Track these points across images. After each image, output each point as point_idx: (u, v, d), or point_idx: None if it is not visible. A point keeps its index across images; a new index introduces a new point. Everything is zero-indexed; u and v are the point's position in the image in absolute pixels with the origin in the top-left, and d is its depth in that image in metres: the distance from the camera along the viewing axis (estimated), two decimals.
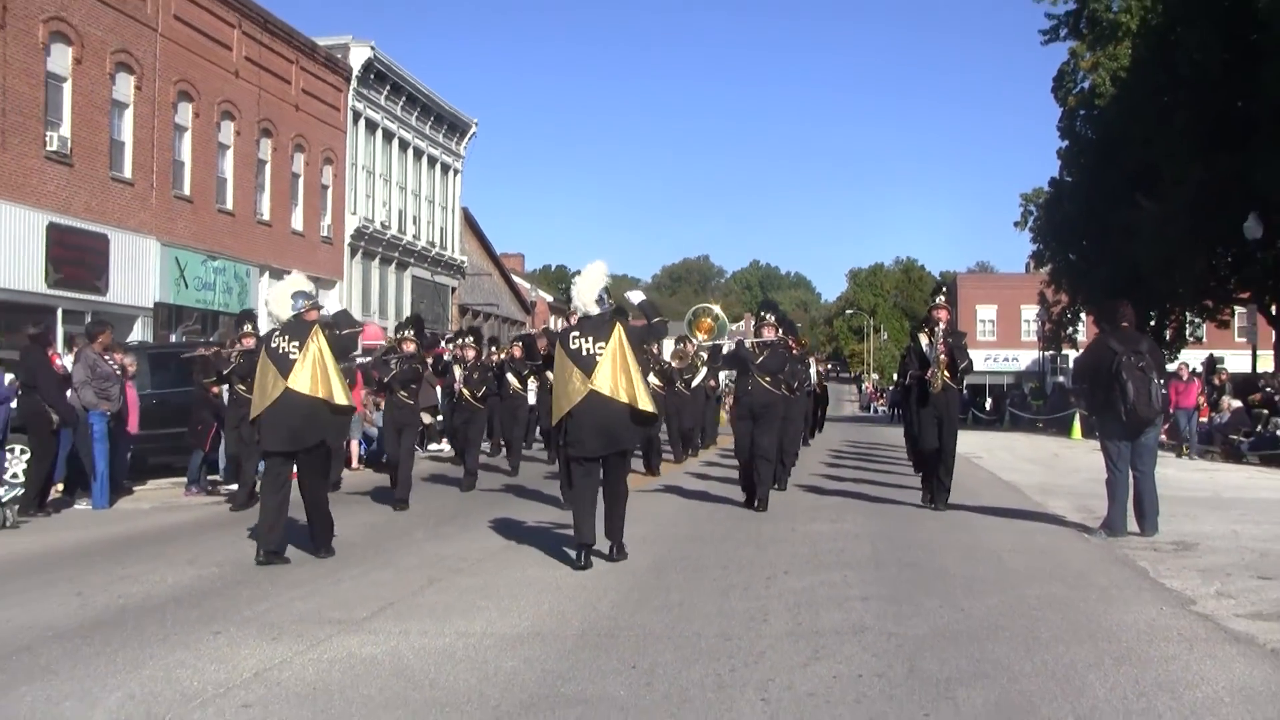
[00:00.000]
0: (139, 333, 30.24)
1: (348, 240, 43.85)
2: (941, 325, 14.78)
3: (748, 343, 15.61)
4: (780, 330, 15.91)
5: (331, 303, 12.45)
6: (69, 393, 16.11)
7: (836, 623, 8.26)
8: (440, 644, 7.60)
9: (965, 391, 17.83)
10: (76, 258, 28.19)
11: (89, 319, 21.60)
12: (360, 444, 23.07)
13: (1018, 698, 6.30)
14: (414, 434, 17.14)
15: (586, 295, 10.91)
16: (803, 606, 8.82)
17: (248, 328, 17.17)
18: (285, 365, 11.20)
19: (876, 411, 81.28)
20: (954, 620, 8.34)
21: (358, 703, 6.27)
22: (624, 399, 10.48)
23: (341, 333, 11.91)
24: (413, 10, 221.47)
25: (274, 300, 12.10)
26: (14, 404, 15.27)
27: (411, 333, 17.13)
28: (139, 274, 30.73)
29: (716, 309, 16.44)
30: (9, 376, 15.51)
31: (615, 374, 10.48)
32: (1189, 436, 28.41)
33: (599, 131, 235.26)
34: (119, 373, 16.49)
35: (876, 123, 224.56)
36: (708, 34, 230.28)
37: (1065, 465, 24.46)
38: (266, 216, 38.14)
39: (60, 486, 16.46)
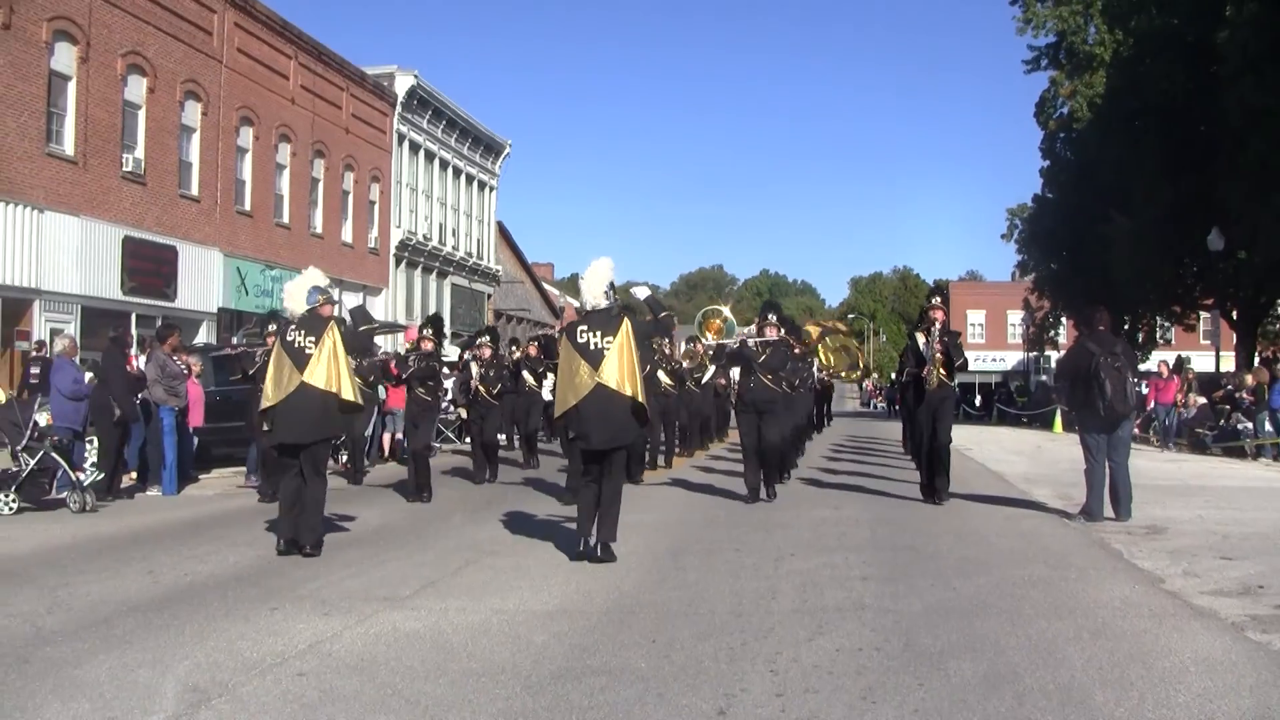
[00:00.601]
0: (204, 335, 30.37)
1: (393, 251, 43.93)
2: (937, 325, 14.20)
3: (751, 342, 14.95)
4: (782, 330, 15.27)
5: (353, 301, 11.96)
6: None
7: (839, 601, 8.25)
8: (477, 619, 7.60)
9: (957, 389, 17.60)
10: (149, 267, 28.37)
11: (159, 323, 21.64)
12: (394, 437, 22.95)
13: (1004, 669, 6.29)
14: (430, 430, 16.52)
15: (594, 290, 10.14)
16: (808, 586, 8.82)
17: (272, 327, 16.35)
18: (301, 359, 10.51)
19: (875, 407, 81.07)
20: (946, 598, 8.32)
21: (401, 673, 6.27)
22: (628, 393, 9.71)
23: (360, 329, 11.53)
24: (453, 41, 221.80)
25: (290, 295, 11.32)
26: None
27: (430, 331, 16.63)
28: (204, 282, 30.86)
29: (725, 310, 16.35)
30: (89, 375, 15.58)
31: (622, 368, 9.70)
32: (1168, 429, 28.18)
33: (622, 150, 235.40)
34: (186, 372, 16.54)
35: (875, 144, 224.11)
36: (720, 65, 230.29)
37: (1048, 457, 24.36)
38: (319, 229, 38.24)
39: (134, 475, 16.52)
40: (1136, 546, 10.76)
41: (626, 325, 9.89)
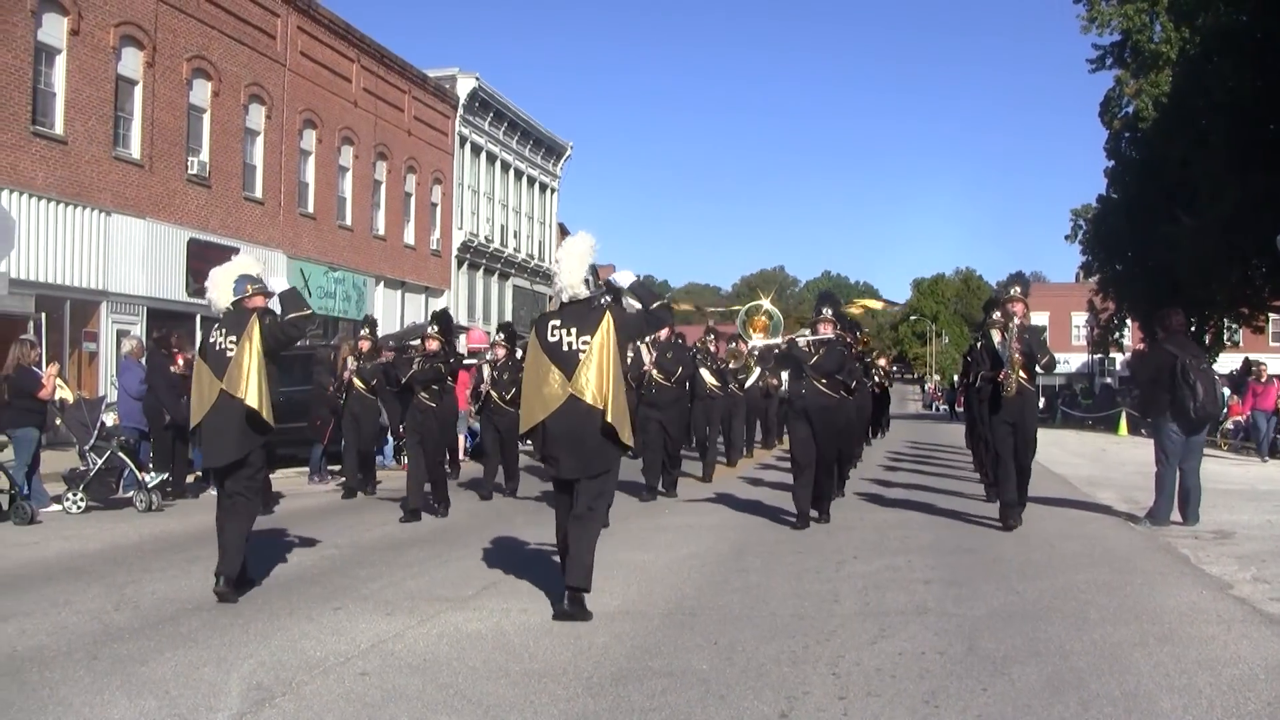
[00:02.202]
0: None
1: (454, 253, 44.16)
2: (1017, 319, 11.91)
3: (802, 341, 12.72)
4: (838, 327, 13.17)
5: (277, 284, 9.40)
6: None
7: (901, 604, 8.20)
8: (538, 620, 7.62)
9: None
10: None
11: None
12: (466, 438, 23.03)
13: (1069, 674, 6.23)
14: (437, 441, 14.16)
15: (573, 274, 8.07)
16: (870, 589, 8.77)
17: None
18: (221, 364, 8.73)
19: (938, 410, 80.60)
20: (1009, 602, 8.25)
21: (463, 673, 6.29)
22: (603, 409, 7.69)
23: (284, 319, 9.06)
24: (515, 43, 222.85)
25: (214, 286, 9.29)
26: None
27: (436, 329, 14.49)
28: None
29: (768, 305, 14.04)
30: (140, 377, 15.76)
31: (601, 377, 7.71)
32: (1266, 437, 26.34)
33: (684, 150, 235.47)
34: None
35: (938, 145, 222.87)
36: (782, 66, 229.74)
37: (1112, 459, 24.15)
38: (381, 232, 38.50)
39: (199, 473, 16.68)
40: (1204, 551, 10.62)
41: (608, 320, 7.90)
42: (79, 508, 13.66)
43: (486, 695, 5.88)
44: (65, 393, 15.30)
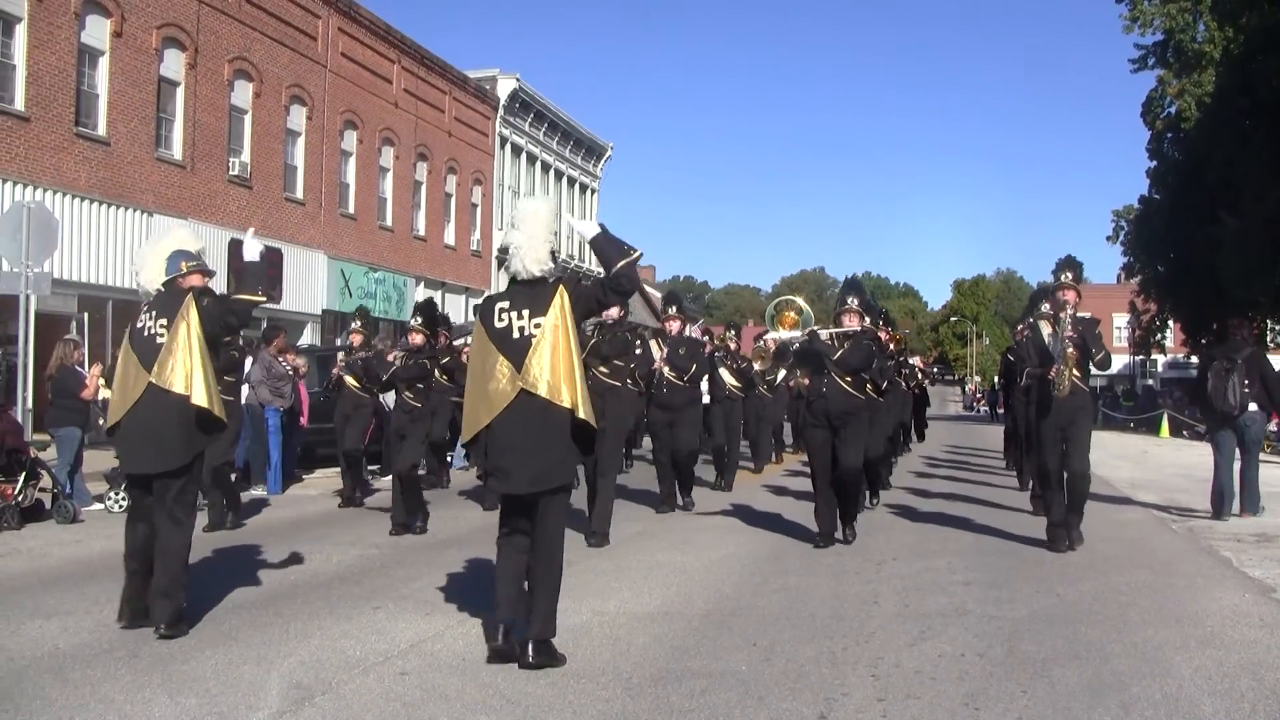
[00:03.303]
0: (309, 337, 30.83)
1: (495, 254, 44.24)
2: (1069, 310, 10.56)
3: (824, 334, 11.20)
4: (866, 319, 11.68)
5: (250, 249, 8.16)
6: (245, 390, 16.45)
7: (941, 606, 8.17)
8: (577, 621, 7.62)
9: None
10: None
11: (265, 325, 21.97)
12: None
13: (1109, 677, 6.19)
14: (419, 444, 13.12)
15: (536, 249, 6.73)
16: (910, 590, 8.74)
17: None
18: (150, 352, 7.43)
19: (979, 411, 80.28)
20: (1050, 604, 8.21)
21: (502, 673, 6.30)
22: (565, 404, 6.41)
23: (231, 296, 8.06)
24: (556, 44, 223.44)
25: (144, 264, 8.03)
26: None
27: (420, 321, 13.32)
28: (309, 284, 31.31)
29: (800, 301, 12.21)
30: None
31: (557, 365, 6.43)
32: None
33: (724, 151, 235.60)
34: (291, 373, 16.77)
35: (976, 145, 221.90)
36: (826, 69, 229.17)
37: (1154, 462, 23.97)
38: (422, 232, 38.66)
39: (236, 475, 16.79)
40: (1246, 554, 10.55)
41: (562, 297, 6.60)
42: (120, 506, 13.73)
43: (525, 695, 5.89)
44: (108, 393, 15.40)
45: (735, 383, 17.97)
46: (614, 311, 11.84)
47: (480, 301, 7.55)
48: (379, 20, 35.13)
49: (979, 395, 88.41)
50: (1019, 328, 13.94)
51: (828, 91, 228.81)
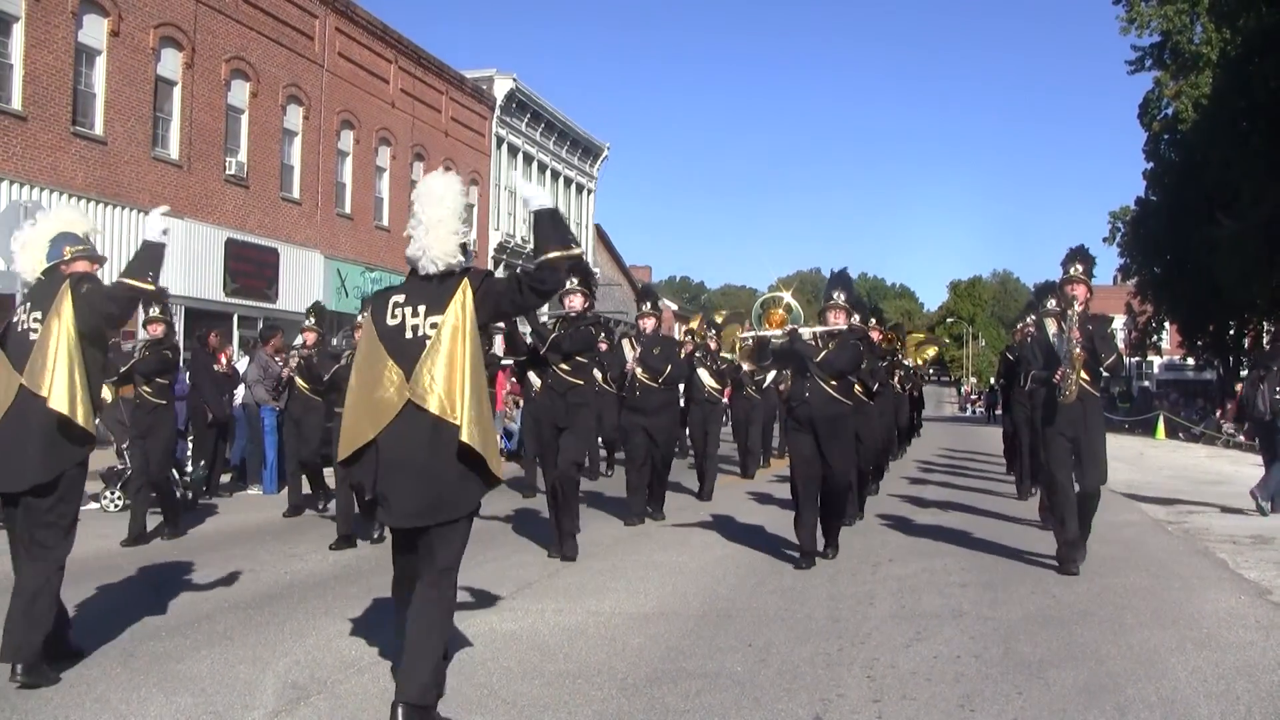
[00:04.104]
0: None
1: (491, 254, 44.22)
2: (1078, 306, 9.52)
3: (806, 333, 10.17)
4: (854, 316, 10.73)
5: (153, 226, 6.59)
6: (241, 390, 16.47)
7: (937, 607, 8.18)
8: (573, 621, 7.63)
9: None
10: (251, 269, 28.79)
11: (261, 324, 22.00)
12: (504, 442, 22.95)
13: (1105, 679, 6.20)
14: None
15: (442, 239, 5.57)
16: (905, 591, 8.76)
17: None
18: (23, 351, 6.41)
19: (975, 413, 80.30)
20: (1046, 606, 8.23)
21: (499, 673, 6.31)
22: (457, 422, 5.37)
23: (116, 281, 6.58)
24: (553, 44, 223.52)
25: (21, 249, 6.80)
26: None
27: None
28: (305, 284, 31.24)
29: (789, 298, 10.81)
30: (186, 375, 15.86)
31: (452, 376, 5.41)
32: None
33: (721, 152, 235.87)
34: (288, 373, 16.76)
35: (978, 149, 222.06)
36: (818, 69, 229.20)
37: (1150, 464, 24.00)
38: None
39: (230, 475, 16.80)
40: (1242, 556, 10.57)
41: (465, 292, 5.54)
42: (116, 506, 13.75)
43: (521, 696, 5.90)
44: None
45: (715, 384, 16.91)
46: (578, 303, 11.02)
47: (373, 296, 6.39)
48: (376, 20, 35.09)
49: (975, 396, 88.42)
50: (1019, 326, 13.70)
51: (825, 93, 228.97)
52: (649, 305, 14.09)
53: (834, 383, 9.99)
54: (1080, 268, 9.73)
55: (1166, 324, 55.14)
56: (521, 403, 19.17)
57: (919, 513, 13.96)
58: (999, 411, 30.01)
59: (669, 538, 11.58)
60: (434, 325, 5.43)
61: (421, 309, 5.49)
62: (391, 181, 36.48)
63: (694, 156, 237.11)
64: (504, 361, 18.42)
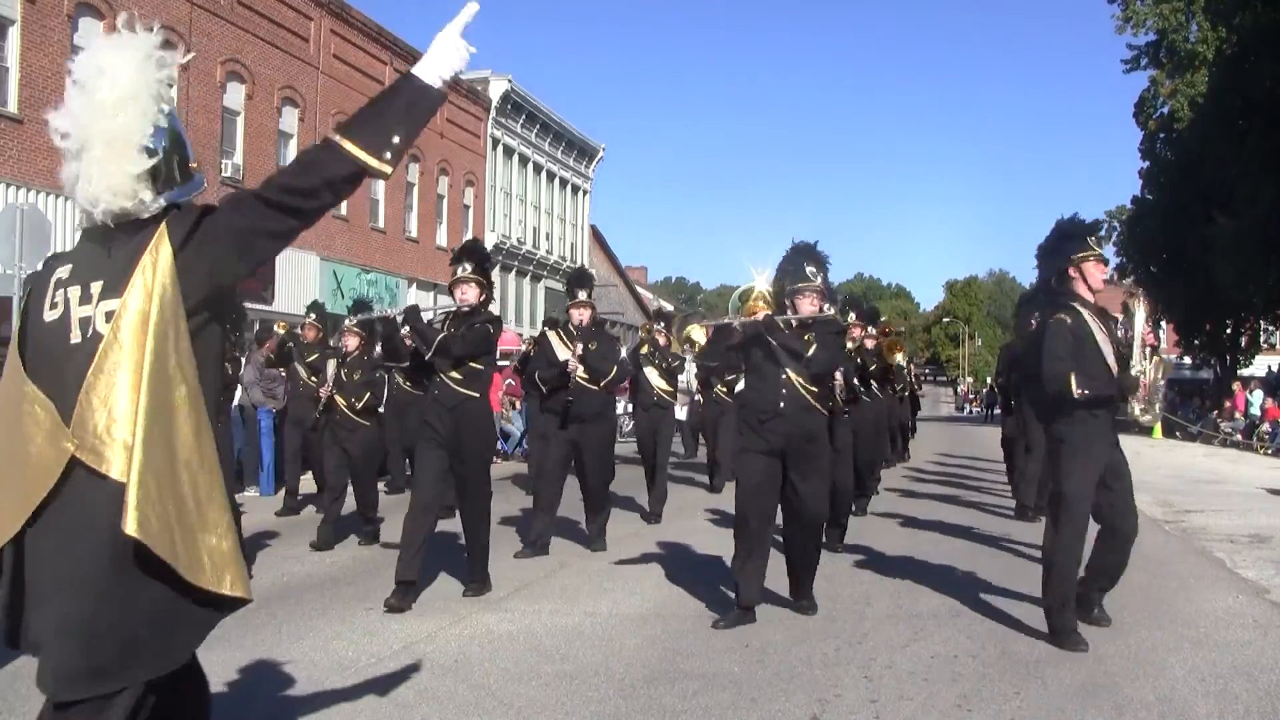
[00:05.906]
0: None
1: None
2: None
3: (783, 322, 7.71)
4: (827, 303, 8.11)
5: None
6: (239, 391, 16.47)
7: (934, 607, 8.19)
8: (570, 622, 7.63)
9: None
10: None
11: (257, 326, 21.95)
12: (500, 443, 22.93)
13: (1102, 678, 6.20)
14: (366, 456, 11.88)
15: (109, 153, 3.22)
16: (902, 592, 8.77)
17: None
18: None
19: (971, 412, 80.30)
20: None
21: (495, 674, 6.31)
22: (138, 487, 2.82)
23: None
24: (548, 46, 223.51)
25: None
26: None
27: (354, 321, 12.10)
28: (301, 285, 31.23)
29: (768, 290, 8.38)
30: None
31: (137, 401, 2.88)
32: None
33: (716, 152, 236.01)
34: (284, 374, 16.75)
35: (973, 148, 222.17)
36: (813, 69, 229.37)
37: (1146, 463, 23.92)
38: (414, 234, 38.60)
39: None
40: (1240, 555, 10.57)
41: (158, 253, 3.05)
42: None
43: (518, 696, 5.90)
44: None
45: (665, 386, 14.52)
46: (471, 295, 8.99)
47: (30, 276, 3.62)
48: (371, 22, 35.08)
49: (971, 396, 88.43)
50: (1031, 320, 10.64)
51: (820, 93, 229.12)
52: (584, 294, 11.45)
53: (815, 390, 7.71)
54: (1093, 240, 8.02)
55: (1163, 323, 55.13)
56: (519, 403, 18.98)
57: (917, 512, 13.95)
58: (998, 411, 29.55)
59: (666, 539, 11.56)
60: (110, 315, 3.00)
61: (95, 289, 3.05)
62: (387, 183, 36.46)
63: (689, 157, 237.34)
64: (502, 362, 17.62)
